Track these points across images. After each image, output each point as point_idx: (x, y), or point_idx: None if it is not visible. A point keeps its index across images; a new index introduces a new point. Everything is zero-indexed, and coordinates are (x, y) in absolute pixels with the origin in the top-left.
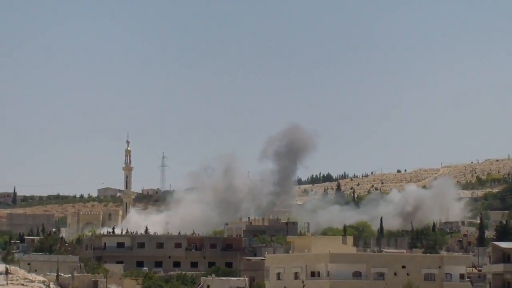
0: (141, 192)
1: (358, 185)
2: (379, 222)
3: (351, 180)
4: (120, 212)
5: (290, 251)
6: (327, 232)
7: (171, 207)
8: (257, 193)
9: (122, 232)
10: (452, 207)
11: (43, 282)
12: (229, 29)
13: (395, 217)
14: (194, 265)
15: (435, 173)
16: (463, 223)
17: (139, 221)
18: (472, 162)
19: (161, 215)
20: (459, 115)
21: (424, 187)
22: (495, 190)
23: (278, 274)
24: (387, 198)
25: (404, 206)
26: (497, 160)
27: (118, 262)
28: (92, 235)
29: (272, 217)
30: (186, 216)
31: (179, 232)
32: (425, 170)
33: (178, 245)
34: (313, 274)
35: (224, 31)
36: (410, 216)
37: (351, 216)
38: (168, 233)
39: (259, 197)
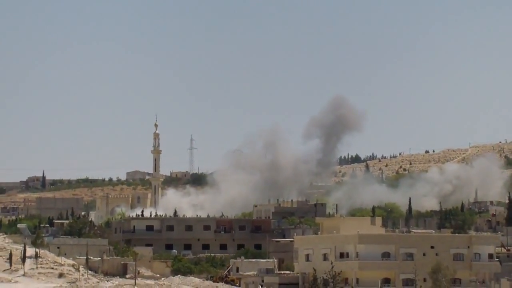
0: (169, 175)
1: (386, 166)
2: (416, 201)
3: (379, 161)
4: (149, 195)
5: (319, 233)
6: (356, 213)
7: (208, 189)
8: (299, 173)
9: (151, 215)
10: (495, 184)
11: (73, 265)
12: (265, 3)
13: (432, 197)
14: (223, 247)
15: (463, 153)
16: (491, 202)
17: (174, 202)
18: (500, 142)
19: (201, 197)
20: (487, 95)
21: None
22: None
23: (307, 255)
24: (426, 177)
25: (443, 185)
26: None
27: (147, 245)
28: (121, 218)
29: (309, 198)
30: (226, 197)
31: (212, 214)
32: (453, 150)
33: (207, 228)
34: (342, 255)
35: (259, 4)
36: (449, 195)
37: (388, 196)
38: (197, 215)
39: (301, 178)
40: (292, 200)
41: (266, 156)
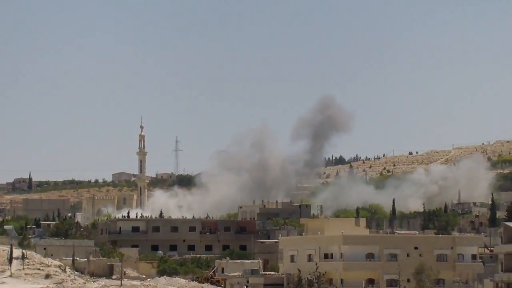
0: (155, 176)
1: (370, 167)
2: (401, 202)
3: (363, 162)
4: (135, 197)
5: (304, 234)
6: (340, 214)
7: (195, 190)
8: (287, 174)
9: (137, 216)
10: (479, 185)
11: (59, 266)
12: (253, 1)
13: (417, 198)
14: (208, 248)
15: (447, 155)
16: (475, 204)
17: (161, 203)
18: (483, 144)
19: (188, 198)
20: (470, 97)
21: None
22: (506, 171)
23: (292, 256)
24: (412, 178)
25: (428, 186)
26: (508, 141)
27: (133, 246)
28: (107, 219)
29: (294, 200)
30: (213, 198)
31: (199, 215)
32: (437, 152)
33: (192, 229)
34: (326, 256)
35: (247, 3)
36: (434, 196)
37: (374, 197)
38: (183, 217)
39: (288, 179)
40: (277, 201)
41: (253, 156)
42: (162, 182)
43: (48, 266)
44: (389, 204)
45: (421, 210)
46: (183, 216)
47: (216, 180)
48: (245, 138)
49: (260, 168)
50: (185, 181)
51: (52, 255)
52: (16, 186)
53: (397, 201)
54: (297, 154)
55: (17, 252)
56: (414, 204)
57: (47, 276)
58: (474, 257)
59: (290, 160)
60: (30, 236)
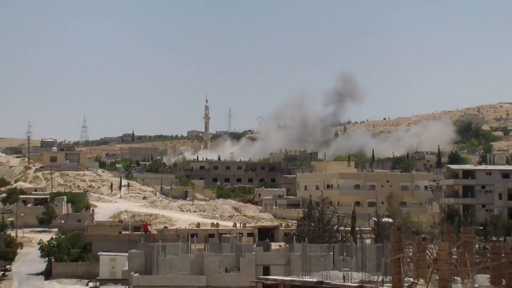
0: (215, 132)
1: (374, 127)
2: (382, 150)
3: (366, 121)
4: (202, 146)
5: (313, 171)
6: (337, 159)
7: (246, 141)
8: (315, 129)
9: (203, 159)
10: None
11: (152, 191)
12: None
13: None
14: (250, 180)
15: (408, 120)
16: (427, 152)
17: (219, 151)
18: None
19: (243, 147)
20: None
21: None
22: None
23: (305, 186)
24: (397, 133)
25: (406, 140)
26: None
27: (200, 179)
28: (183, 161)
29: (313, 149)
30: (257, 147)
31: (245, 159)
32: (402, 118)
33: (240, 168)
34: (328, 186)
35: None
36: (408, 147)
37: (367, 145)
38: (234, 160)
39: (315, 132)
40: (296, 150)
41: (293, 116)
42: (219, 136)
43: (145, 191)
44: (375, 150)
45: (391, 156)
46: (234, 159)
47: (260, 135)
48: (284, 103)
49: (298, 124)
50: (236, 136)
51: (147, 184)
52: (124, 139)
53: (377, 150)
54: (324, 115)
55: (124, 182)
56: (388, 152)
57: (144, 198)
58: (426, 187)
59: (319, 118)
60: (133, 171)
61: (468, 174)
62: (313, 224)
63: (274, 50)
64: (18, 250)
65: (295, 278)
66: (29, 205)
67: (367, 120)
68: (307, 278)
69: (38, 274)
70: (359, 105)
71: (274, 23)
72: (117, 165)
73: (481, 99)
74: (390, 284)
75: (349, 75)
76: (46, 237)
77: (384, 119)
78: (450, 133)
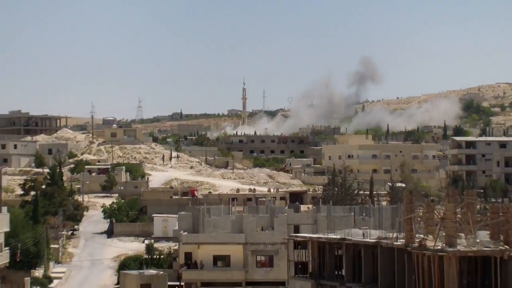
0: (251, 111)
1: (388, 105)
2: (395, 124)
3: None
4: (240, 122)
5: (336, 144)
6: (357, 132)
7: (279, 118)
8: (340, 106)
9: (242, 134)
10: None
11: (198, 162)
12: None
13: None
14: (282, 152)
15: (418, 99)
16: (434, 126)
17: (255, 126)
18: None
19: (277, 123)
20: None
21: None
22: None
23: (329, 156)
24: (410, 109)
25: (418, 115)
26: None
27: (239, 151)
28: (224, 135)
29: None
30: (289, 123)
31: (278, 133)
32: (412, 97)
33: (273, 141)
34: (349, 156)
35: None
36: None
37: (383, 120)
38: (268, 134)
39: (340, 109)
40: (320, 125)
41: (321, 95)
42: (255, 114)
43: (191, 162)
44: (390, 125)
45: (404, 130)
46: (268, 134)
47: (290, 112)
48: (313, 84)
49: (323, 102)
50: (270, 114)
51: (194, 155)
52: (173, 117)
53: (392, 124)
54: (347, 94)
55: (174, 154)
56: (401, 126)
57: (191, 167)
58: (434, 157)
59: (343, 98)
60: (181, 145)
61: (470, 144)
62: (336, 189)
63: (304, 37)
64: (84, 213)
65: (321, 236)
66: (93, 174)
67: (382, 99)
68: (331, 235)
69: (101, 233)
70: (378, 86)
71: (304, 14)
72: (167, 140)
73: (481, 79)
74: (403, 240)
75: (369, 59)
76: (108, 202)
77: (397, 98)
78: (457, 110)
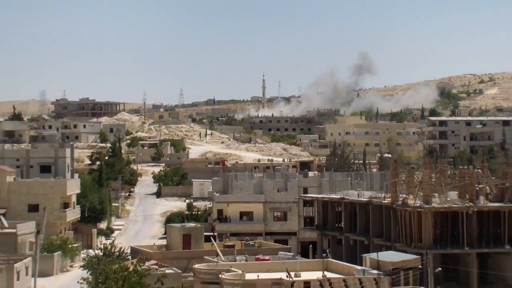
0: (269, 97)
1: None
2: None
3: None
4: (260, 106)
5: (337, 123)
6: (353, 114)
7: (294, 102)
8: (343, 92)
9: (262, 115)
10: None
11: (227, 138)
12: None
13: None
14: (294, 130)
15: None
16: (415, 109)
17: (272, 109)
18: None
19: (286, 107)
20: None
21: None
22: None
23: (331, 133)
24: (403, 94)
25: (404, 99)
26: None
27: (260, 129)
28: (248, 116)
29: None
30: (300, 106)
31: (290, 115)
32: (397, 86)
33: (286, 121)
34: (347, 133)
35: None
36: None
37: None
38: (282, 115)
39: (343, 94)
40: (325, 108)
41: (327, 83)
42: (273, 100)
43: (222, 138)
44: (379, 108)
45: (390, 112)
46: (282, 116)
47: (302, 98)
48: (321, 74)
49: (329, 89)
50: (285, 99)
51: (224, 133)
52: (208, 102)
53: (381, 107)
54: (348, 83)
55: (208, 132)
56: (388, 109)
57: (222, 142)
58: (414, 133)
59: (345, 85)
60: (214, 124)
61: (442, 123)
62: (336, 159)
63: (313, 35)
64: (138, 178)
65: (325, 196)
66: (145, 148)
67: (373, 87)
68: (333, 196)
69: (151, 194)
70: (373, 77)
71: (314, 17)
72: (203, 120)
73: (451, 71)
74: (390, 199)
75: (365, 54)
76: (156, 170)
77: (385, 86)
78: (435, 95)
